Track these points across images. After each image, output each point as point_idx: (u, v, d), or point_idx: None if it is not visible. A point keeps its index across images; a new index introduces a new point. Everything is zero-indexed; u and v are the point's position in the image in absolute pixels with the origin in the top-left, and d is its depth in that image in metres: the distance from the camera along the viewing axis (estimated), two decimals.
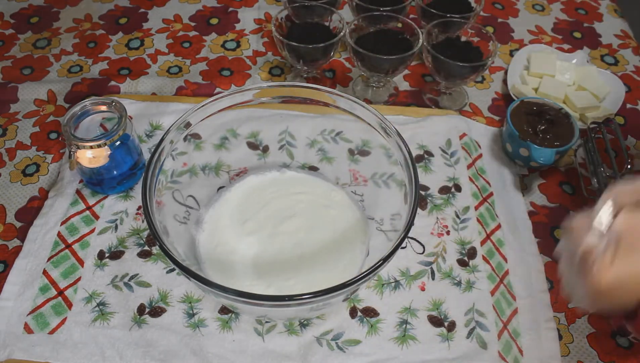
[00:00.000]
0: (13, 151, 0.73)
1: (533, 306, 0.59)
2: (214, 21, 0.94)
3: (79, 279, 0.59)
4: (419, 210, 0.65)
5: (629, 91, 0.83)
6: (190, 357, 0.54)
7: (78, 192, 0.66)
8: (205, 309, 0.57)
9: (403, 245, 0.57)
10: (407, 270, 0.61)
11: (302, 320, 0.57)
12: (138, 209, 0.65)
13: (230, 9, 0.96)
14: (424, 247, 0.63)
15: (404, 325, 0.57)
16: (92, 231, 0.63)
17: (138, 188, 0.67)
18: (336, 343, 0.55)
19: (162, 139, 0.54)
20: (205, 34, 0.91)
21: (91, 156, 0.62)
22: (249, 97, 0.58)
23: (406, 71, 0.85)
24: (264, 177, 0.67)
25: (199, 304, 0.58)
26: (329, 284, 0.44)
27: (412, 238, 0.63)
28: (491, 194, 0.68)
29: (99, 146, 0.60)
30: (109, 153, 0.62)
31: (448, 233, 0.64)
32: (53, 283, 0.59)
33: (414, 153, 0.71)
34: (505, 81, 0.84)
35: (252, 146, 0.67)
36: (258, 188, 0.65)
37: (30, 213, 0.66)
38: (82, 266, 0.60)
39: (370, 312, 0.58)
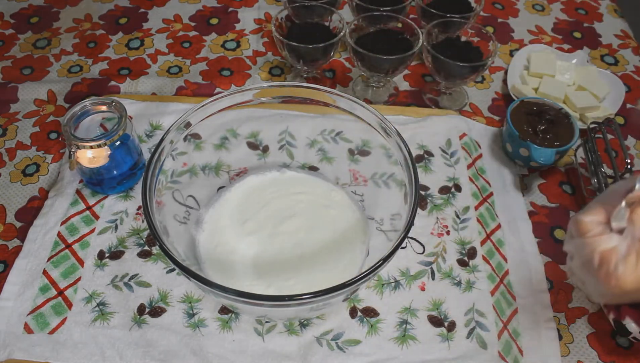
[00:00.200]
0: (13, 151, 0.73)
1: (533, 306, 0.59)
2: (214, 21, 0.94)
3: (79, 279, 0.59)
4: (419, 210, 0.65)
5: (629, 91, 0.83)
6: (190, 357, 0.54)
7: (78, 192, 0.66)
8: (205, 309, 0.57)
9: (403, 245, 0.57)
10: (407, 270, 0.61)
11: (302, 320, 0.57)
12: (138, 209, 0.65)
13: (230, 9, 0.96)
14: (424, 247, 0.63)
15: (404, 325, 0.57)
16: (92, 231, 0.63)
17: (138, 188, 0.67)
18: (336, 343, 0.55)
19: (162, 139, 0.54)
20: (205, 34, 0.91)
21: (91, 156, 0.62)
22: (249, 97, 0.58)
23: (406, 71, 0.85)
24: (264, 177, 0.67)
25: (199, 304, 0.58)
26: (329, 284, 0.44)
27: (412, 238, 0.63)
28: (491, 194, 0.69)
29: (99, 146, 0.60)
30: (109, 153, 0.62)
31: (448, 233, 0.64)
32: (53, 283, 0.59)
33: (414, 153, 0.71)
34: (505, 81, 0.84)
35: (252, 146, 0.67)
36: (258, 188, 0.65)
37: (30, 213, 0.66)
38: (82, 266, 0.60)
39: (370, 312, 0.58)
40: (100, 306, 0.57)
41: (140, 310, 0.57)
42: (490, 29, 0.93)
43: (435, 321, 0.57)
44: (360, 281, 0.45)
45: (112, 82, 0.82)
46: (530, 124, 0.70)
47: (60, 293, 0.58)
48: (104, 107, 0.64)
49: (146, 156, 0.69)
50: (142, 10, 0.96)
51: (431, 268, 0.61)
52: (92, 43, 0.89)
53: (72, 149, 0.61)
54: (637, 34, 0.96)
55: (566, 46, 0.90)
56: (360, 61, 0.74)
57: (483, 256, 0.62)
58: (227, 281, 0.45)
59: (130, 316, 0.56)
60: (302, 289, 0.44)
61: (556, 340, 0.57)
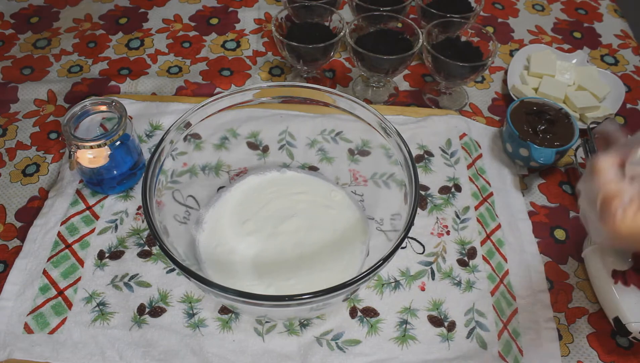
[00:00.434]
0: (13, 151, 0.73)
1: (533, 306, 0.59)
2: (214, 21, 0.94)
3: (79, 279, 0.59)
4: (419, 210, 0.65)
5: (629, 91, 0.83)
6: (190, 357, 0.54)
7: (78, 192, 0.66)
8: (205, 309, 0.57)
9: (403, 245, 0.57)
10: (407, 270, 0.61)
11: (302, 320, 0.57)
12: (138, 209, 0.65)
13: (230, 9, 0.96)
14: (424, 247, 0.63)
15: (404, 325, 0.57)
16: (92, 231, 0.63)
17: (138, 188, 0.67)
18: (336, 343, 0.55)
19: (162, 139, 0.54)
20: (205, 34, 0.91)
21: (91, 156, 0.62)
22: (249, 97, 0.58)
23: (406, 71, 0.85)
24: (264, 177, 0.67)
25: (199, 304, 0.58)
26: (329, 284, 0.44)
27: (412, 238, 0.63)
28: (491, 194, 0.69)
29: (99, 146, 0.60)
30: (109, 153, 0.62)
31: (448, 233, 0.64)
32: (53, 283, 0.59)
33: (414, 153, 0.71)
34: (505, 81, 0.84)
35: (252, 146, 0.67)
36: (258, 188, 0.65)
37: (30, 213, 0.66)
38: (82, 266, 0.60)
39: (370, 312, 0.58)
40: (100, 307, 0.57)
41: (140, 310, 0.57)
42: (490, 29, 0.93)
43: (435, 321, 0.57)
44: (360, 282, 0.45)
45: (112, 82, 0.82)
46: (530, 124, 0.70)
47: (60, 293, 0.58)
48: (104, 107, 0.64)
49: (146, 156, 0.69)
50: (142, 10, 0.96)
51: (431, 268, 0.61)
52: (92, 43, 0.89)
53: (72, 149, 0.61)
54: (637, 34, 0.96)
55: (566, 46, 0.90)
56: (360, 61, 0.74)
57: (483, 256, 0.62)
58: (227, 281, 0.45)
59: (130, 317, 0.56)
60: (302, 289, 0.43)
61: (556, 340, 0.57)
